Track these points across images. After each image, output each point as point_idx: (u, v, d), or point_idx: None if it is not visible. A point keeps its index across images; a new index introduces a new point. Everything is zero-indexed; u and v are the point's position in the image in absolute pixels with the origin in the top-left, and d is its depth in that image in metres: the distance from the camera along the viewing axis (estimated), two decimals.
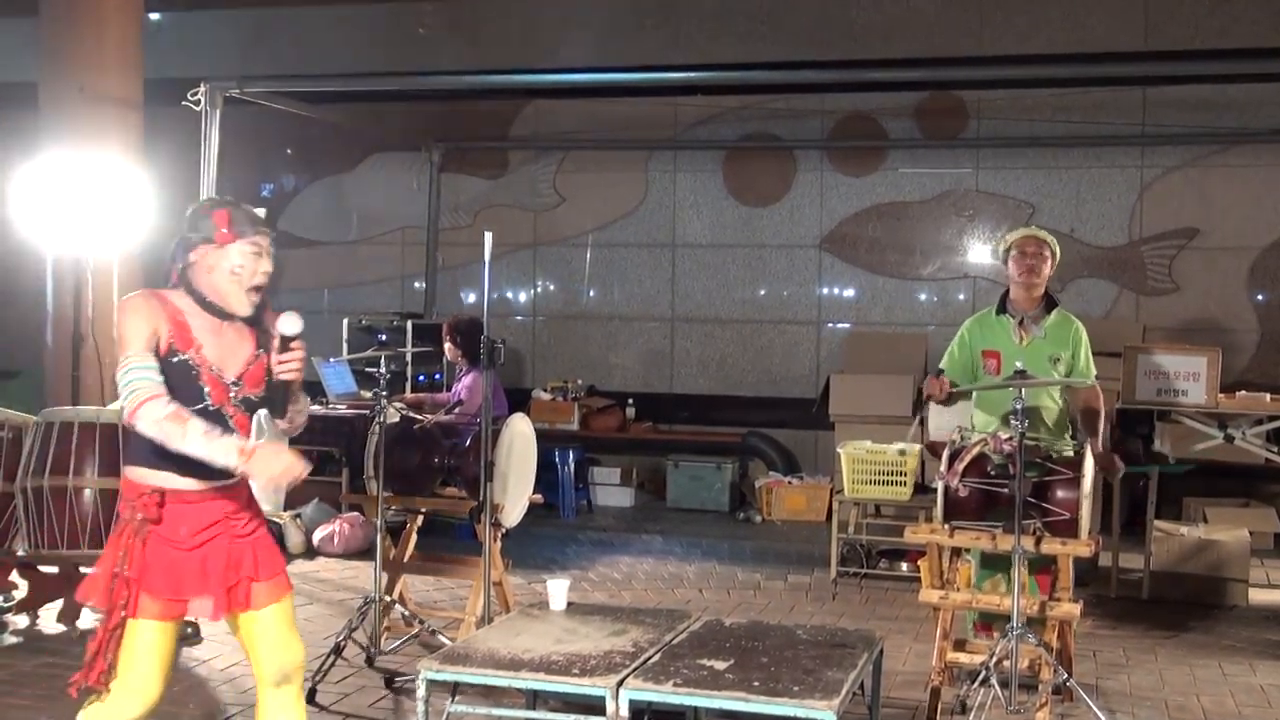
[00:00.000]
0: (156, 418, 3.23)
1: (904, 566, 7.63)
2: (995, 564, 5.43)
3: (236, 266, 3.42)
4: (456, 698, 4.14)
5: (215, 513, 3.44)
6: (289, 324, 3.43)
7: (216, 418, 3.40)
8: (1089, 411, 5.49)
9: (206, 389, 3.40)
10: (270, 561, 3.53)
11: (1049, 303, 5.53)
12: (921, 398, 6.46)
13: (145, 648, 3.35)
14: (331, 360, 8.81)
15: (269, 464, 3.27)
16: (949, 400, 5.50)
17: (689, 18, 10.39)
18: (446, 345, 7.43)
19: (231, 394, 3.45)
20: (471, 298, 10.98)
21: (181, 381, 3.36)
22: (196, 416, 3.29)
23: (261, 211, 3.57)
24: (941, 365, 5.69)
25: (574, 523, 9.33)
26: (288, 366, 3.43)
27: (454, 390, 7.94)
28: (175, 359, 3.35)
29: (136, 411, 3.23)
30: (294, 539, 8.14)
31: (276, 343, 3.45)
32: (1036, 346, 5.44)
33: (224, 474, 3.36)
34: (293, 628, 3.57)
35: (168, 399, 3.27)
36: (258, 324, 3.53)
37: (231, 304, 3.44)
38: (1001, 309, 5.55)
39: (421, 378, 9.81)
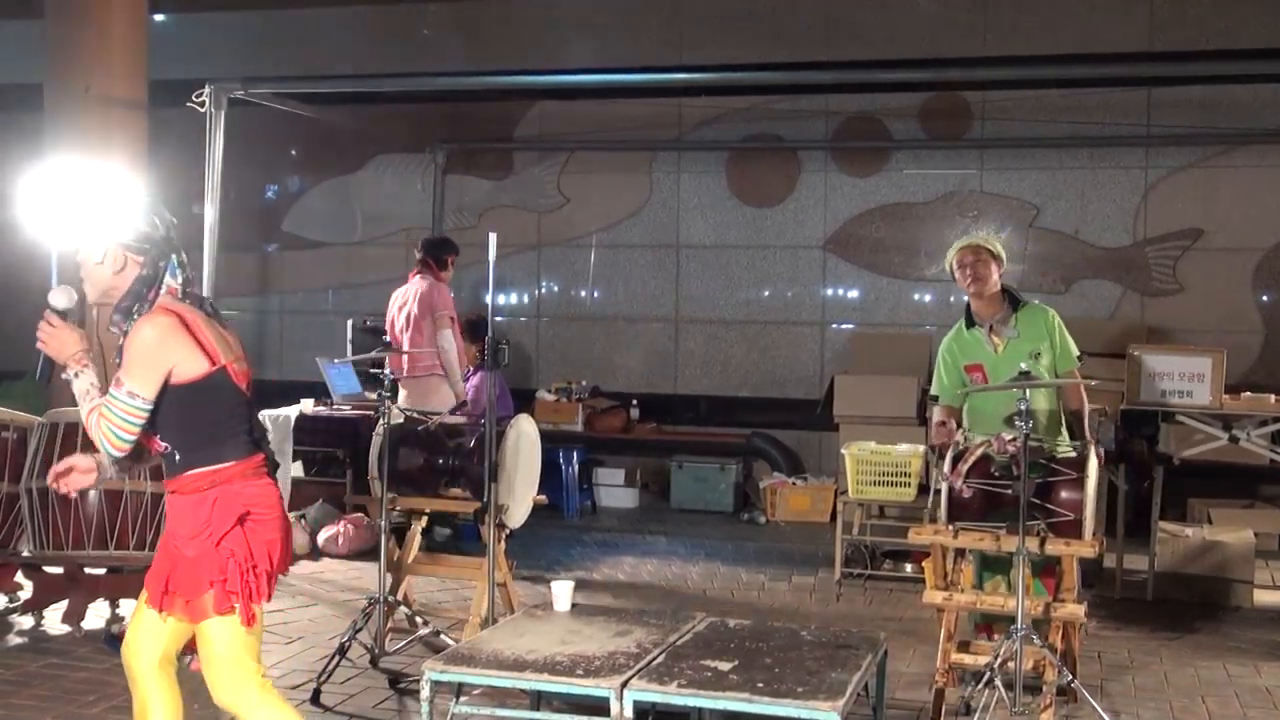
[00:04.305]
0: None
1: (908, 567, 7.62)
2: (995, 565, 5.43)
3: None
4: (461, 698, 4.15)
5: (169, 513, 3.63)
6: (58, 297, 3.60)
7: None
8: (1073, 413, 5.51)
9: None
10: (190, 583, 3.52)
11: (1012, 301, 5.53)
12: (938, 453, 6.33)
13: None
14: (336, 361, 8.82)
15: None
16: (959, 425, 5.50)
17: (693, 19, 10.38)
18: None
19: None
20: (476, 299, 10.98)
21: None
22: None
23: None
24: (933, 392, 5.70)
25: (578, 524, 9.33)
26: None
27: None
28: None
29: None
30: (299, 540, 8.14)
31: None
32: (1014, 348, 5.45)
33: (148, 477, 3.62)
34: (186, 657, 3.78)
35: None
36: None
37: None
38: (970, 322, 5.56)
39: None
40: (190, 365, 3.49)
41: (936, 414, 5.60)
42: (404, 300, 8.09)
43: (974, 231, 9.92)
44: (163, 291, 3.57)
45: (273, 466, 3.71)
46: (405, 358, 7.85)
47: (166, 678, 3.69)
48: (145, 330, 3.49)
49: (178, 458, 3.55)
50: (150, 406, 3.47)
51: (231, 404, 3.58)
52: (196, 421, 3.54)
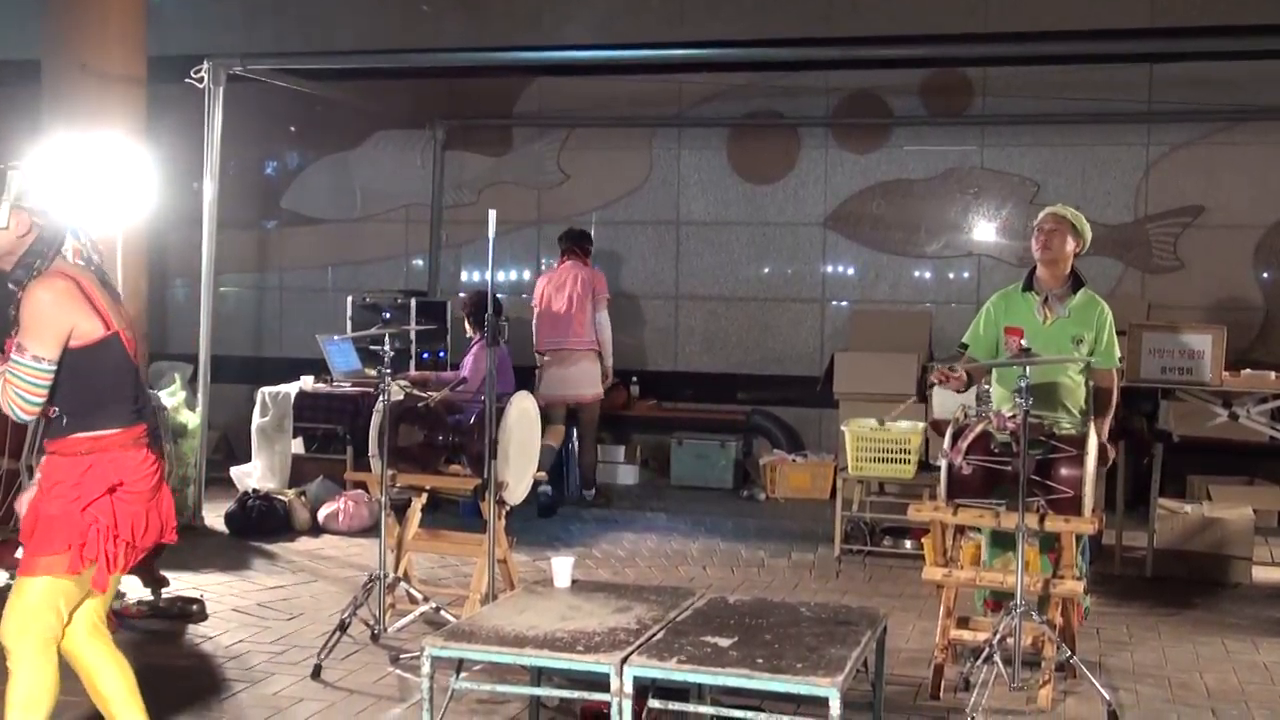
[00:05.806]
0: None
1: (908, 544, 7.64)
2: (1005, 542, 5.43)
3: None
4: (461, 674, 4.16)
5: (44, 472, 3.71)
6: None
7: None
8: (1101, 392, 5.51)
9: None
10: (43, 540, 3.59)
11: (1075, 282, 5.51)
12: (926, 383, 6.44)
13: None
14: (335, 338, 8.82)
15: None
16: (968, 386, 5.50)
17: None
18: (467, 322, 8.14)
19: None
20: (476, 275, 10.98)
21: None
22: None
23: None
24: (965, 340, 5.70)
25: (578, 500, 9.33)
26: None
27: (461, 364, 8.00)
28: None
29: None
30: (299, 516, 8.16)
31: None
32: (1060, 326, 5.44)
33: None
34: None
35: None
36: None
37: None
38: (1028, 286, 5.55)
39: (425, 355, 9.81)
40: (87, 328, 3.54)
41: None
42: (561, 282, 9.01)
43: (975, 208, 9.94)
44: (66, 253, 3.61)
45: (155, 439, 3.73)
46: (556, 332, 8.91)
47: (102, 641, 3.74)
48: (41, 294, 3.52)
49: (64, 421, 3.59)
50: (54, 368, 3.51)
51: (121, 371, 3.64)
52: (86, 386, 3.57)
